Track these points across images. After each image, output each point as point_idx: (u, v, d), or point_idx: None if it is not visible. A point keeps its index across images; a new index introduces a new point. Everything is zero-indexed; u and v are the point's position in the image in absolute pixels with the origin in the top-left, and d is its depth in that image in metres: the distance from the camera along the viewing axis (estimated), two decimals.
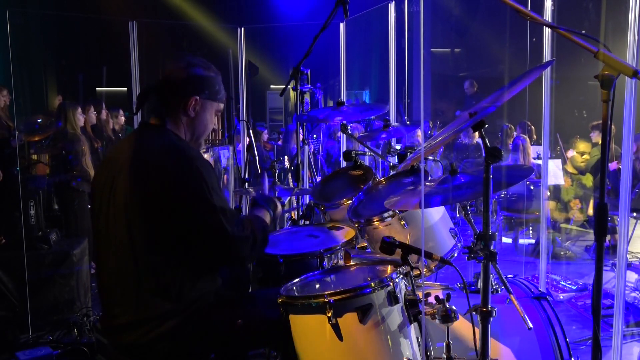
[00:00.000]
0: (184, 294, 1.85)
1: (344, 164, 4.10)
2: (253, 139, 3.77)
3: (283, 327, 1.81)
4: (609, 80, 1.43)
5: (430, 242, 2.26)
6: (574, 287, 4.50)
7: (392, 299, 1.70)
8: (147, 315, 1.83)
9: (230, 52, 7.89)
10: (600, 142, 1.91)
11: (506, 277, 2.08)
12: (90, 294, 4.39)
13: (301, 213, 3.18)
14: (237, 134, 6.11)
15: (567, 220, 6.54)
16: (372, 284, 1.69)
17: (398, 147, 4.87)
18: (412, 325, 1.74)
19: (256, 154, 3.64)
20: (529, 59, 4.06)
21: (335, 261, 2.31)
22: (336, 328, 1.65)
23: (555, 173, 6.23)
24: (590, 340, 3.13)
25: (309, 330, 1.73)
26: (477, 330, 1.74)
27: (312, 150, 6.43)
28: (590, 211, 6.42)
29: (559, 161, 6.59)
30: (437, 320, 1.77)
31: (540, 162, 5.04)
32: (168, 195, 1.80)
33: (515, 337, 2.06)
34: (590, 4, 8.84)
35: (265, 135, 8.73)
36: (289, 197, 4.70)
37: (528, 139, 6.71)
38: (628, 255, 4.21)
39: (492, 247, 1.71)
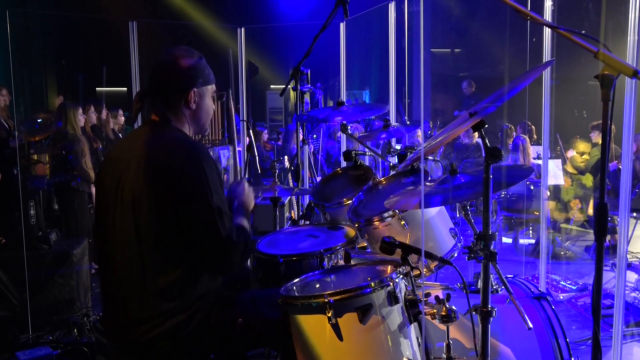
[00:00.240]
0: (186, 292, 1.86)
1: (344, 164, 4.10)
2: (253, 139, 3.77)
3: (283, 327, 1.81)
4: (609, 80, 1.43)
5: (430, 242, 2.26)
6: (574, 287, 4.50)
7: (392, 299, 1.70)
8: (149, 313, 1.83)
9: (230, 52, 7.88)
10: (600, 142, 1.91)
11: (506, 277, 2.08)
12: (90, 294, 4.39)
13: (301, 213, 3.18)
14: (237, 132, 6.11)
15: (567, 220, 6.53)
16: (372, 284, 1.69)
17: (398, 147, 4.87)
18: (412, 325, 1.74)
19: (256, 154, 3.65)
20: (529, 59, 4.07)
21: (335, 261, 2.31)
22: (336, 328, 1.65)
23: (555, 173, 6.23)
24: (590, 340, 3.13)
25: (309, 330, 1.73)
26: (477, 330, 1.74)
27: (312, 150, 6.43)
28: (590, 211, 6.42)
29: (559, 161, 6.59)
30: (437, 320, 1.77)
31: (540, 162, 5.04)
32: (174, 192, 1.81)
33: (515, 337, 2.05)
34: (590, 4, 8.84)
35: (265, 135, 8.73)
36: (289, 197, 4.70)
37: (528, 139, 6.71)
38: (628, 255, 4.21)
39: (492, 247, 1.72)
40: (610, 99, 1.44)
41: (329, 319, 1.63)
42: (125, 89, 9.58)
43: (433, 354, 1.90)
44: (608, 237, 3.72)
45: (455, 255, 2.28)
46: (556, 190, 6.53)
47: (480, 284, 1.79)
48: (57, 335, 3.75)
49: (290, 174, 5.46)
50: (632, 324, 3.86)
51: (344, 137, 5.87)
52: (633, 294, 4.30)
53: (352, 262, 2.05)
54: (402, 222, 2.18)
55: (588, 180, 6.61)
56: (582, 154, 7.16)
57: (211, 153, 6.25)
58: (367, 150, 3.04)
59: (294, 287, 1.90)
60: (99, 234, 1.96)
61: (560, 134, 7.47)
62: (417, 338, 1.76)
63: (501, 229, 6.40)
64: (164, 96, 1.97)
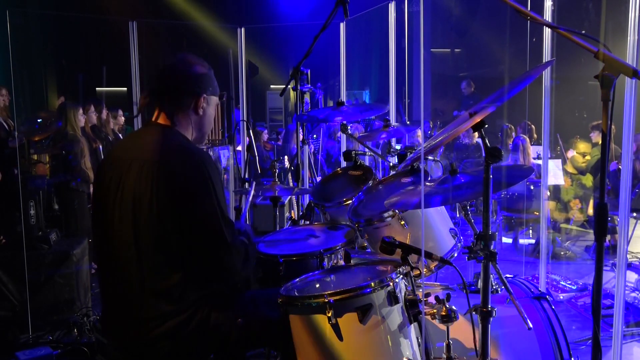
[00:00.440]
0: (186, 294, 1.86)
1: (344, 164, 4.10)
2: (253, 139, 3.78)
3: (283, 327, 1.81)
4: (609, 80, 1.43)
5: (430, 242, 2.25)
6: (574, 287, 4.50)
7: (392, 299, 1.70)
8: (149, 314, 1.83)
9: (230, 52, 7.88)
10: (600, 142, 1.91)
11: (506, 277, 2.08)
12: (90, 294, 4.39)
13: (301, 213, 3.18)
14: (237, 130, 6.11)
15: (567, 220, 6.54)
16: (372, 284, 1.69)
17: (398, 147, 4.87)
18: (412, 325, 1.74)
19: (256, 154, 3.65)
20: (529, 59, 4.06)
21: (335, 261, 2.31)
22: (336, 328, 1.65)
23: (555, 173, 6.23)
24: (590, 340, 3.13)
25: (309, 330, 1.72)
26: (477, 330, 1.74)
27: (312, 150, 6.43)
28: (590, 211, 6.42)
29: (559, 161, 6.59)
30: (437, 320, 1.77)
31: (540, 162, 5.03)
32: (178, 196, 1.81)
33: (515, 337, 2.05)
34: (590, 4, 8.84)
35: (265, 135, 8.74)
36: (289, 197, 4.70)
37: (528, 139, 6.71)
38: (628, 255, 4.21)
39: (492, 247, 1.72)
40: (610, 99, 1.44)
41: (329, 319, 1.63)
42: (125, 89, 9.57)
43: (433, 354, 1.90)
44: (608, 237, 3.72)
45: (455, 255, 2.28)
46: (556, 190, 6.53)
47: (480, 284, 1.79)
48: (57, 335, 3.76)
49: (290, 174, 5.46)
50: (632, 324, 3.86)
51: (344, 137, 5.87)
52: (633, 294, 4.30)
53: (352, 262, 2.05)
54: (402, 222, 2.18)
55: (588, 180, 6.61)
56: (583, 154, 7.16)
57: (211, 153, 6.27)
58: (367, 150, 3.04)
59: (294, 287, 1.90)
60: (99, 234, 1.96)
61: (560, 134, 7.47)
62: (417, 338, 1.76)
63: (501, 229, 6.40)
64: (175, 97, 1.98)
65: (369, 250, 2.37)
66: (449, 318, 1.74)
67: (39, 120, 5.62)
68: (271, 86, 12.02)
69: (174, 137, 1.96)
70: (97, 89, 9.82)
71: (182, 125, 2.00)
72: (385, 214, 2.21)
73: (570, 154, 7.26)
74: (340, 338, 1.65)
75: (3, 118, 5.32)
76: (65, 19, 8.47)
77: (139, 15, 5.50)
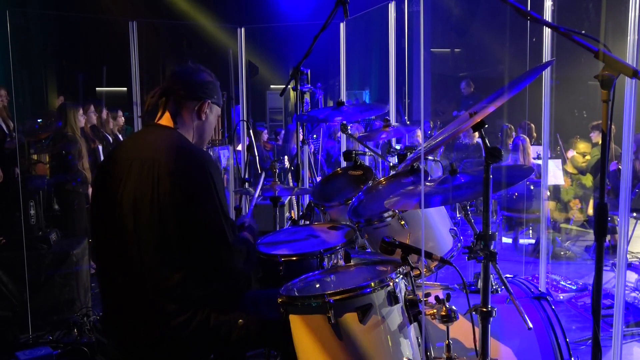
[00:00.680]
0: (187, 294, 1.86)
1: (344, 164, 4.10)
2: (253, 139, 3.78)
3: (283, 327, 1.81)
4: (609, 80, 1.43)
5: (430, 242, 2.26)
6: (574, 287, 4.50)
7: (392, 299, 1.70)
8: (149, 315, 1.83)
9: (230, 52, 7.89)
10: (600, 142, 1.91)
11: (506, 277, 2.08)
12: (90, 294, 4.39)
13: (301, 213, 3.18)
14: (237, 131, 6.11)
15: (567, 220, 6.53)
16: (372, 284, 1.69)
17: (398, 147, 4.87)
18: (412, 325, 1.74)
19: (256, 154, 3.65)
20: (529, 59, 4.06)
21: (335, 261, 2.31)
22: (336, 328, 1.65)
23: (555, 173, 6.23)
24: (590, 340, 3.13)
25: (309, 330, 1.72)
26: (477, 330, 1.74)
27: (312, 150, 6.43)
28: (590, 211, 6.42)
29: (559, 161, 6.59)
30: (437, 320, 1.77)
31: (540, 162, 5.03)
32: (179, 196, 1.82)
33: (515, 337, 2.05)
34: (590, 4, 8.84)
35: (265, 135, 8.74)
36: (289, 197, 4.70)
37: (528, 139, 6.71)
38: (628, 255, 4.21)
39: (492, 247, 1.72)
40: (610, 99, 1.44)
41: (329, 319, 1.63)
42: (125, 89, 9.57)
43: (433, 354, 1.89)
44: (608, 237, 3.72)
45: (455, 255, 2.28)
46: (556, 190, 6.53)
47: (480, 284, 1.79)
48: (57, 335, 3.76)
49: (290, 174, 5.46)
50: (632, 324, 3.86)
51: (344, 137, 5.87)
52: (633, 294, 4.30)
53: (352, 262, 2.05)
54: (402, 222, 2.18)
55: (588, 180, 6.61)
56: (583, 154, 7.15)
57: (211, 153, 6.27)
58: (367, 150, 3.04)
59: (294, 287, 1.90)
60: (99, 234, 1.96)
61: (560, 134, 7.47)
62: (417, 338, 1.76)
63: (501, 229, 6.40)
64: (182, 96, 2.00)
65: (369, 250, 2.37)
66: (449, 318, 1.74)
67: (39, 121, 5.62)
68: (271, 86, 12.03)
69: (175, 137, 1.97)
70: (97, 89, 9.82)
71: (184, 128, 2.02)
72: (385, 214, 2.21)
73: (570, 154, 7.26)
74: (340, 338, 1.65)
75: (2, 118, 5.32)
76: (65, 19, 8.48)
77: (139, 15, 5.50)
